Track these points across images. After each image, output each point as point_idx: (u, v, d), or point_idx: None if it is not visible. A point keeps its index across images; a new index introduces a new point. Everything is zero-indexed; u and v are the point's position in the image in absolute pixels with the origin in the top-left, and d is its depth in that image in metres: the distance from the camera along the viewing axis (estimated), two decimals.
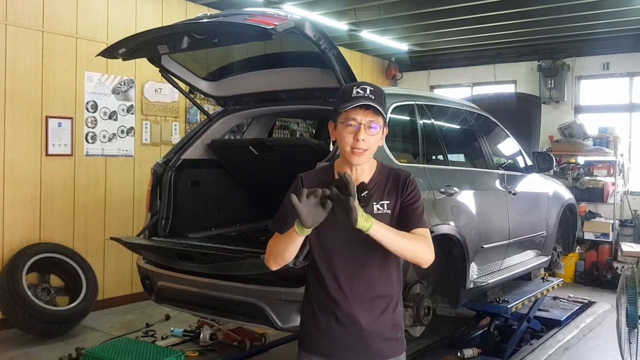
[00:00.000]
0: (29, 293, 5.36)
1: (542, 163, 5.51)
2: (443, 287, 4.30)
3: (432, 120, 4.55)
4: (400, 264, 2.24)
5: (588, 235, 8.55)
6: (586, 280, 8.34)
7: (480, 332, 5.47)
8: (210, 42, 3.65)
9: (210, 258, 3.73)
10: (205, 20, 3.62)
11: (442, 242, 3.99)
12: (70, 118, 6.11)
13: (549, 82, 9.17)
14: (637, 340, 4.17)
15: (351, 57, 9.65)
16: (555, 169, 8.11)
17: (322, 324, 2.18)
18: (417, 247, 2.07)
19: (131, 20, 6.60)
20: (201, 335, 5.20)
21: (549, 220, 5.70)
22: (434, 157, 4.62)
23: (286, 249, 2.06)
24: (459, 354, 4.89)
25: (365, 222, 1.90)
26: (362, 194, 2.10)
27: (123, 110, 6.63)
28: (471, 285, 4.30)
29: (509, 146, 5.60)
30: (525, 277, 5.62)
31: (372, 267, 2.14)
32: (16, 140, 5.69)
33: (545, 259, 5.65)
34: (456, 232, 4.03)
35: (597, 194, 8.62)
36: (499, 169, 5.15)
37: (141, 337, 5.35)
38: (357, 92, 2.08)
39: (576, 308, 6.82)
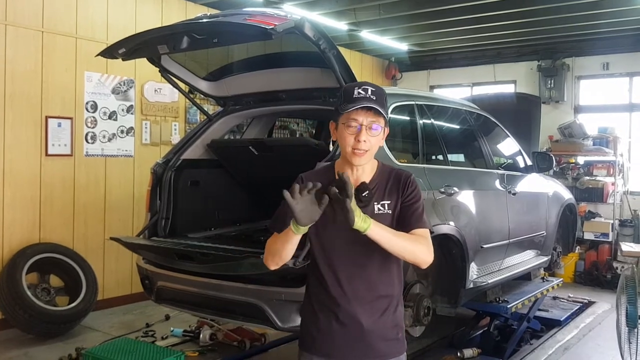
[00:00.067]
0: (28, 293, 5.36)
1: (541, 163, 5.51)
2: (443, 287, 4.30)
3: (432, 120, 4.55)
4: (401, 264, 2.24)
5: (588, 235, 8.56)
6: (586, 280, 8.34)
7: (480, 332, 5.47)
8: (210, 42, 3.65)
9: (210, 258, 3.73)
10: (205, 20, 3.62)
11: (442, 242, 3.99)
12: (70, 118, 6.11)
13: (549, 82, 9.17)
14: (637, 340, 4.17)
15: (351, 57, 9.65)
16: (555, 168, 8.11)
17: (323, 324, 2.18)
18: (416, 248, 2.07)
19: (131, 20, 6.60)
20: (201, 336, 5.20)
21: (549, 220, 5.70)
22: (433, 157, 4.62)
23: (283, 248, 2.06)
24: (458, 354, 4.89)
25: (363, 223, 1.90)
26: (363, 194, 2.10)
27: (123, 110, 6.63)
28: (471, 285, 4.30)
29: (508, 146, 5.60)
30: (525, 277, 5.62)
31: (372, 267, 2.14)
32: (16, 140, 5.69)
33: (545, 258, 5.65)
34: (456, 232, 4.03)
35: (596, 194, 8.62)
36: (499, 169, 5.16)
37: (141, 337, 5.35)
38: (359, 93, 2.08)
39: (576, 308, 6.82)
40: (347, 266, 2.14)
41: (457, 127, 5.17)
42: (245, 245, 3.99)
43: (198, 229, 4.61)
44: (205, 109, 5.42)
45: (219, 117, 4.69)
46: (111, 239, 4.16)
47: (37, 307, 5.35)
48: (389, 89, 4.28)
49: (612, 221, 8.50)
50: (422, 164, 4.18)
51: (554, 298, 7.02)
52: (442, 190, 4.05)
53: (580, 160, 8.95)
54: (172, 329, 5.48)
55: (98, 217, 6.40)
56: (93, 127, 6.34)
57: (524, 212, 5.23)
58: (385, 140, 2.23)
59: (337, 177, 2.12)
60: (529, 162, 5.55)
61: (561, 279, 6.27)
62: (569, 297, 7.22)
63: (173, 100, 7.12)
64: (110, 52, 3.92)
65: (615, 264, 8.23)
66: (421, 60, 10.65)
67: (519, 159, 5.60)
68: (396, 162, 3.74)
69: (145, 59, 4.24)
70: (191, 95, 5.15)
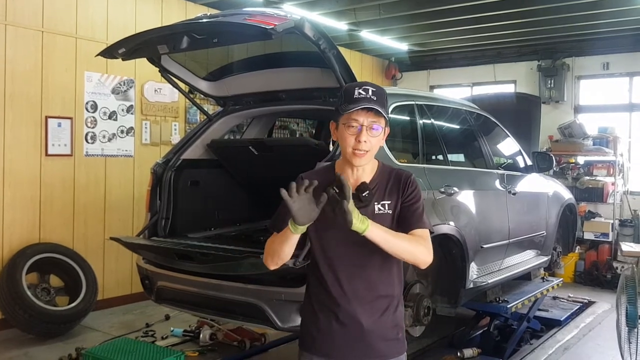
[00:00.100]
0: (28, 293, 5.36)
1: (541, 163, 5.51)
2: (443, 287, 4.30)
3: (432, 120, 4.55)
4: (402, 264, 2.24)
5: (588, 235, 8.55)
6: (586, 280, 8.34)
7: (480, 332, 5.47)
8: (209, 42, 3.65)
9: (210, 258, 3.73)
10: (204, 20, 3.62)
11: (442, 242, 4.00)
12: (70, 118, 6.11)
13: (549, 82, 9.17)
14: (637, 340, 4.17)
15: (351, 57, 9.65)
16: (555, 168, 8.10)
17: (323, 324, 2.18)
18: (415, 249, 2.07)
19: (131, 20, 6.60)
20: (201, 335, 5.20)
21: (549, 220, 5.70)
22: (433, 157, 4.62)
23: (282, 248, 2.06)
24: (458, 354, 4.89)
25: (361, 224, 1.90)
26: (363, 194, 2.10)
27: (123, 110, 6.63)
28: (471, 285, 4.30)
29: (508, 146, 5.60)
30: (525, 277, 5.62)
31: (372, 267, 2.14)
32: (16, 140, 5.69)
33: (545, 258, 5.65)
34: (456, 232, 4.03)
35: (596, 194, 8.62)
36: (499, 169, 5.16)
37: (141, 337, 5.35)
38: (360, 94, 2.07)
39: (576, 308, 6.82)
40: (347, 266, 2.14)
41: (457, 127, 5.17)
42: (245, 245, 3.99)
43: (198, 229, 4.61)
44: (205, 109, 5.42)
45: (219, 117, 4.69)
46: (111, 239, 4.16)
47: (37, 307, 5.35)
48: (389, 89, 4.28)
49: (612, 221, 8.50)
50: (422, 164, 4.18)
51: (554, 298, 7.02)
52: (442, 190, 4.05)
53: (580, 160, 8.95)
54: (172, 329, 5.48)
55: (98, 217, 6.40)
56: (93, 127, 6.34)
57: (524, 212, 5.24)
58: (385, 140, 2.23)
59: (341, 175, 2.13)
60: (529, 162, 5.55)
61: (561, 279, 6.27)
62: (569, 297, 7.22)
63: (173, 100, 7.11)
64: (110, 52, 3.92)
65: (615, 264, 8.22)
66: (421, 60, 10.65)
67: (519, 159, 5.60)
68: (396, 162, 3.74)
69: (145, 59, 4.24)
70: (191, 95, 5.15)
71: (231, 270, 3.67)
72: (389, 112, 3.83)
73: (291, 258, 2.28)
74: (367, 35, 8.67)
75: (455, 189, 4.18)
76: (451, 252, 4.14)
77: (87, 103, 6.28)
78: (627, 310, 4.25)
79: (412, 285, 3.87)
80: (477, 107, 5.40)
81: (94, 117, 6.34)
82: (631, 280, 4.32)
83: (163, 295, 4.19)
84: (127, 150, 6.67)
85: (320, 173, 2.29)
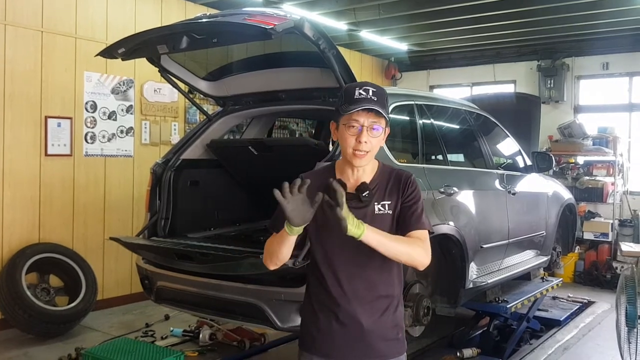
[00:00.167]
0: (28, 293, 5.35)
1: (541, 163, 5.51)
2: (442, 287, 4.30)
3: (432, 120, 4.55)
4: (402, 265, 2.23)
5: (587, 235, 8.56)
6: (585, 280, 8.34)
7: (479, 332, 5.47)
8: (209, 42, 3.65)
9: (210, 258, 3.73)
10: (204, 20, 3.62)
11: (441, 242, 4.00)
12: (70, 118, 6.11)
13: (549, 81, 9.17)
14: (637, 340, 4.17)
15: (350, 57, 9.65)
16: (554, 168, 8.11)
17: (323, 324, 2.18)
18: (412, 251, 2.07)
19: (130, 20, 6.60)
20: (201, 335, 5.20)
21: (549, 220, 5.70)
22: (433, 157, 4.61)
23: (280, 249, 2.06)
24: (458, 354, 4.89)
25: (357, 229, 1.90)
26: (363, 194, 2.10)
27: (122, 110, 6.63)
28: (470, 285, 4.30)
29: (508, 146, 5.60)
30: (525, 277, 5.62)
31: (372, 267, 2.13)
32: (15, 140, 5.69)
33: (545, 258, 5.65)
34: (455, 232, 4.03)
35: (596, 194, 8.63)
36: (499, 169, 5.15)
37: (141, 337, 5.35)
38: (360, 94, 2.07)
39: (575, 308, 6.82)
40: (347, 266, 2.14)
41: (457, 127, 5.17)
42: (245, 245, 3.99)
43: (198, 229, 4.61)
44: (205, 109, 5.42)
45: (219, 117, 4.69)
46: (111, 239, 4.16)
47: (37, 307, 5.35)
48: (388, 89, 4.28)
49: (611, 221, 8.50)
50: (422, 164, 4.18)
51: (554, 298, 7.02)
52: (442, 190, 4.05)
53: (580, 160, 8.95)
54: (171, 328, 5.48)
55: (98, 217, 6.40)
56: (92, 127, 6.34)
57: (524, 212, 5.24)
58: (385, 141, 2.23)
59: (337, 177, 2.13)
60: (529, 162, 5.55)
61: (561, 279, 6.27)
62: (569, 297, 7.22)
63: (172, 100, 7.11)
64: (109, 52, 3.92)
65: (614, 264, 8.23)
66: (421, 60, 10.65)
67: (519, 159, 5.60)
68: (396, 162, 3.74)
69: (144, 59, 4.24)
70: (191, 95, 5.15)
71: (231, 270, 3.67)
72: (389, 112, 3.85)
73: (291, 258, 2.28)
74: (367, 35, 8.67)
75: (455, 189, 4.18)
76: (451, 252, 4.14)
77: (86, 103, 6.27)
78: (626, 310, 4.25)
79: (412, 285, 3.87)
80: (476, 107, 5.40)
81: (93, 117, 6.34)
82: (631, 280, 4.32)
83: (163, 295, 4.19)
84: (126, 150, 6.67)
85: (320, 173, 2.29)
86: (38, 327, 5.37)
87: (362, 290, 2.14)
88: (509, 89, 9.77)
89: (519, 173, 5.42)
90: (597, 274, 8.25)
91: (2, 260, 5.55)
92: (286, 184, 1.86)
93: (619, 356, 4.35)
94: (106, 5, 6.43)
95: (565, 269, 8.15)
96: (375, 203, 2.14)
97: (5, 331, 5.49)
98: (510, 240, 4.90)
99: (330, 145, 4.00)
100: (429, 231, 2.17)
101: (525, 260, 5.32)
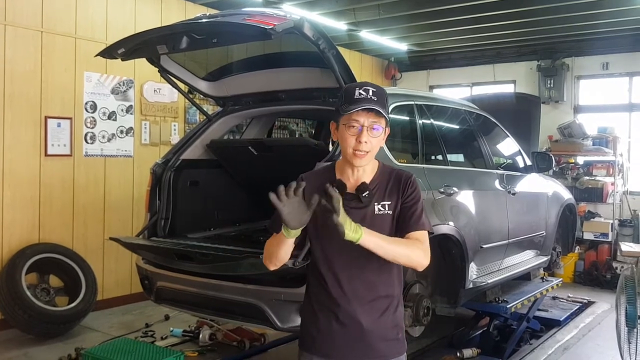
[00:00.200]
0: (28, 293, 5.35)
1: (541, 163, 5.51)
2: (442, 287, 4.30)
3: (432, 120, 4.55)
4: (401, 265, 2.24)
5: (587, 235, 8.56)
6: (585, 280, 8.34)
7: (479, 332, 5.47)
8: (209, 42, 3.65)
9: (210, 258, 3.73)
10: (204, 20, 3.62)
11: (441, 242, 4.00)
12: (70, 118, 6.11)
13: (549, 82, 9.17)
14: (637, 340, 4.17)
15: (350, 57, 9.65)
16: (554, 168, 8.10)
17: (323, 324, 2.18)
18: (411, 253, 2.07)
19: (130, 20, 6.59)
20: (200, 336, 5.20)
21: (549, 220, 5.70)
22: (433, 157, 4.61)
23: (278, 251, 2.07)
24: (458, 354, 4.89)
25: (354, 234, 1.89)
26: (363, 195, 2.10)
27: (122, 110, 6.63)
28: (470, 285, 4.30)
29: (508, 146, 5.60)
30: (525, 277, 5.62)
31: (372, 267, 2.13)
32: (15, 140, 5.69)
33: (545, 258, 5.65)
34: (455, 232, 4.03)
35: (596, 194, 8.62)
36: (499, 169, 5.15)
37: (140, 338, 5.35)
38: (360, 94, 2.07)
39: (575, 308, 6.82)
40: (347, 266, 2.14)
41: (457, 127, 5.17)
42: (245, 245, 3.98)
43: (197, 229, 4.61)
44: (205, 109, 5.41)
45: (219, 117, 4.69)
46: (111, 239, 4.16)
47: (37, 307, 5.34)
48: (388, 89, 4.28)
49: (611, 221, 8.50)
50: (422, 164, 4.18)
51: (554, 298, 7.03)
52: (442, 190, 4.05)
53: (580, 160, 8.95)
54: (171, 329, 5.48)
55: (97, 218, 6.40)
56: (92, 127, 6.34)
57: (524, 212, 5.23)
58: (385, 141, 2.23)
59: (337, 177, 2.12)
60: (529, 162, 5.55)
61: (561, 279, 6.27)
62: (569, 297, 7.22)
63: (172, 101, 7.11)
64: (109, 52, 3.92)
65: (614, 264, 8.22)
66: (420, 60, 10.65)
67: (519, 159, 5.59)
68: (395, 162, 3.74)
69: (144, 59, 4.24)
70: (190, 96, 5.15)
71: (231, 271, 3.67)
72: (389, 112, 3.84)
73: (291, 258, 2.28)
74: (367, 35, 8.67)
75: (455, 189, 4.18)
76: (451, 252, 4.14)
77: (86, 103, 6.27)
78: (626, 310, 4.25)
79: (412, 285, 3.87)
80: (476, 107, 5.40)
81: (93, 117, 6.34)
82: (630, 281, 4.32)
83: (162, 296, 4.19)
84: (126, 150, 6.66)
85: (320, 173, 2.29)
86: (38, 328, 5.37)
87: (362, 291, 2.14)
88: (508, 89, 9.77)
89: (518, 173, 5.42)
90: (597, 274, 8.25)
91: (2, 260, 5.55)
92: (281, 187, 1.85)
93: (618, 356, 4.35)
94: (106, 5, 6.43)
95: (565, 269, 8.15)
96: (375, 203, 2.14)
97: (5, 331, 5.48)
98: (510, 240, 4.90)
99: (330, 146, 3.99)
100: (428, 232, 2.17)
101: (525, 260, 5.32)
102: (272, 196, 1.83)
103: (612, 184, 8.56)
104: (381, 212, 2.14)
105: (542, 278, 5.88)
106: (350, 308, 2.13)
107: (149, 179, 4.44)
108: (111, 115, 6.51)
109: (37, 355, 5.10)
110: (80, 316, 5.67)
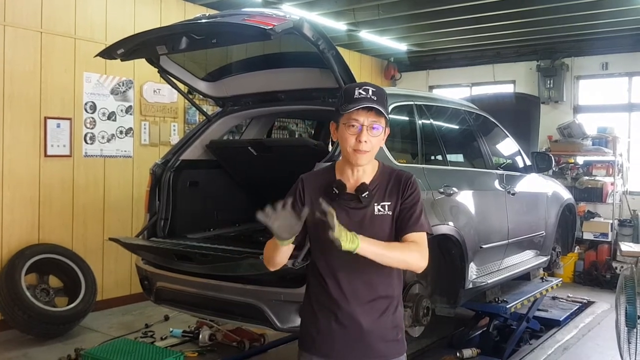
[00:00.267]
0: (27, 294, 5.35)
1: (541, 163, 5.51)
2: (442, 287, 4.29)
3: (431, 121, 4.55)
4: None
5: (587, 235, 8.56)
6: (585, 280, 8.34)
7: (479, 332, 5.47)
8: (208, 43, 3.65)
9: (209, 259, 3.73)
10: (203, 20, 3.62)
11: (441, 243, 4.00)
12: (69, 119, 6.11)
13: (548, 82, 9.17)
14: (636, 340, 4.17)
15: (350, 58, 9.65)
16: (554, 169, 8.09)
17: (323, 325, 2.18)
18: (408, 257, 2.07)
19: (130, 20, 6.59)
20: (200, 336, 5.20)
21: (548, 220, 5.70)
22: (432, 158, 4.61)
23: (275, 256, 2.11)
24: (458, 354, 4.89)
25: (351, 244, 1.90)
26: (363, 195, 2.10)
27: (122, 110, 6.62)
28: (470, 286, 4.30)
29: (508, 146, 5.60)
30: (525, 277, 5.62)
31: (372, 268, 2.12)
32: (15, 141, 5.69)
33: (545, 259, 5.65)
34: (455, 233, 4.03)
35: (596, 194, 8.62)
36: (498, 169, 5.15)
37: (140, 338, 5.35)
38: (360, 94, 2.07)
39: (575, 308, 6.82)
40: (347, 267, 2.14)
41: (456, 127, 5.17)
42: (244, 245, 3.98)
43: (197, 230, 4.61)
44: (204, 110, 5.42)
45: (218, 118, 4.69)
46: (110, 239, 4.16)
47: (36, 307, 5.34)
48: (388, 89, 4.28)
49: (611, 221, 8.50)
50: (421, 164, 4.18)
51: (553, 298, 7.03)
52: (441, 190, 4.05)
53: (580, 160, 8.95)
54: (171, 329, 5.48)
55: (97, 218, 6.40)
56: (92, 128, 6.34)
57: (523, 212, 5.23)
58: (385, 141, 2.23)
59: (337, 177, 2.12)
60: (528, 162, 5.55)
61: (560, 279, 6.27)
62: (568, 297, 7.22)
63: (172, 101, 7.11)
64: (109, 53, 3.92)
65: (614, 264, 8.22)
66: (420, 60, 10.65)
67: (518, 159, 5.60)
68: (395, 162, 3.74)
69: (144, 59, 4.24)
70: (190, 96, 5.15)
71: (230, 271, 3.66)
72: (389, 112, 3.84)
73: (290, 258, 2.29)
74: (366, 35, 8.67)
75: (455, 189, 4.17)
76: (450, 252, 4.14)
77: (86, 104, 6.27)
78: (626, 310, 4.25)
79: (412, 285, 3.87)
80: (476, 107, 5.40)
81: (93, 117, 6.34)
82: (630, 280, 4.32)
83: (162, 296, 4.19)
84: (126, 150, 6.66)
85: (320, 174, 2.29)
86: (37, 328, 5.36)
87: (361, 291, 2.14)
88: (508, 89, 9.77)
89: (518, 173, 5.42)
90: (597, 274, 8.25)
91: (1, 261, 5.55)
92: (269, 209, 1.87)
93: (618, 356, 4.35)
94: (105, 5, 6.43)
95: (564, 269, 8.15)
96: (375, 204, 2.14)
97: (4, 332, 5.48)
98: (509, 240, 4.90)
99: (330, 146, 3.99)
100: (427, 233, 2.17)
101: (525, 260, 5.32)
102: (260, 215, 1.86)
103: (612, 184, 8.56)
104: (381, 213, 2.14)
105: (542, 278, 5.88)
106: (350, 308, 2.14)
107: (149, 179, 4.44)
108: (111, 116, 6.51)
109: (36, 356, 5.09)
110: (80, 317, 5.67)
